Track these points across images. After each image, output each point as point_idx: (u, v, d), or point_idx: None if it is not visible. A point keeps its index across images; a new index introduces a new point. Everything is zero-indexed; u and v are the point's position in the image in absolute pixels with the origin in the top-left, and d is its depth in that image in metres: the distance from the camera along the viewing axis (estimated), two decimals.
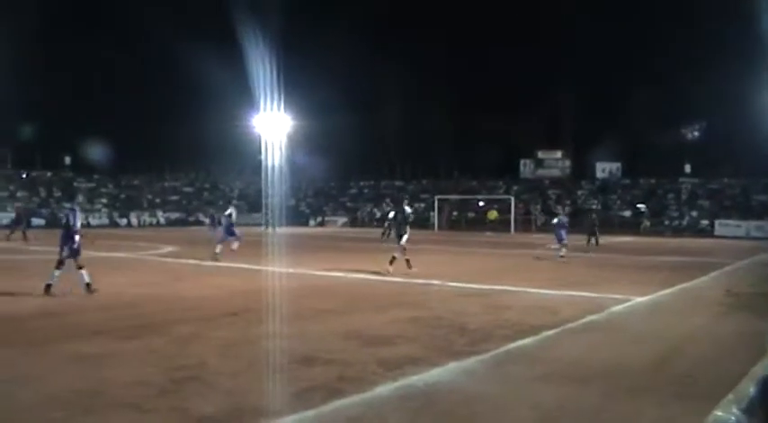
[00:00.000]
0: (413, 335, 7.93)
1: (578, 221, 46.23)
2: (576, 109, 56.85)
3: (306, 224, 54.59)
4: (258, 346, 7.20)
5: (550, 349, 7.20)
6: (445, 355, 6.74)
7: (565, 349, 7.20)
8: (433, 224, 47.68)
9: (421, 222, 48.76)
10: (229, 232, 19.19)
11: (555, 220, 22.04)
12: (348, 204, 59.96)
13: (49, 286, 10.80)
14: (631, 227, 42.87)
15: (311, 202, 62.26)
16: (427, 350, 7.05)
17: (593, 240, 27.05)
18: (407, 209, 15.74)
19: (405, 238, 15.18)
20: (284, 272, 15.11)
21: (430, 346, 7.30)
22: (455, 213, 50.99)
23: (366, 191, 62.90)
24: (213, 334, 7.88)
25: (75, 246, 11.04)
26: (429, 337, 7.84)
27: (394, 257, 14.90)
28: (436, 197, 49.97)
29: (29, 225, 32.18)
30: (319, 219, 54.84)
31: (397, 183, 62.94)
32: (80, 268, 11.04)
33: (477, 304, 10.55)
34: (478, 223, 47.10)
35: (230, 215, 19.63)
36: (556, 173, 57.09)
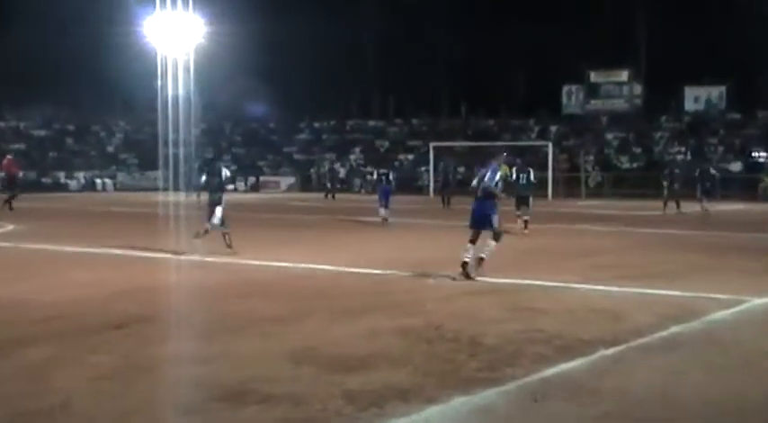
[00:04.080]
0: (399, 354, 7.96)
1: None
2: (651, 6, 56.67)
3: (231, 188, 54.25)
4: (157, 375, 7.17)
5: (611, 377, 7.25)
6: (449, 386, 6.77)
7: (634, 377, 7.24)
8: (428, 186, 47.69)
9: (407, 183, 48.65)
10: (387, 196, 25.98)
11: None
12: (297, 156, 59.67)
13: (465, 264, 12.93)
14: (743, 187, 42.72)
15: (239, 153, 61.84)
16: (421, 377, 7.08)
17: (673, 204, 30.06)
18: (531, 171, 21.97)
19: (531, 202, 21.66)
20: (197, 261, 15.14)
21: (425, 371, 7.32)
22: (461, 170, 50.90)
23: (325, 136, 62.65)
24: (85, 358, 7.83)
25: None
26: (424, 357, 7.87)
27: (526, 221, 21.02)
28: (431, 145, 49.85)
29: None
30: (252, 179, 54.64)
31: (373, 123, 62.74)
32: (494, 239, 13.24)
33: (497, 306, 10.62)
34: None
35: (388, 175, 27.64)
36: (620, 105, 57.08)
